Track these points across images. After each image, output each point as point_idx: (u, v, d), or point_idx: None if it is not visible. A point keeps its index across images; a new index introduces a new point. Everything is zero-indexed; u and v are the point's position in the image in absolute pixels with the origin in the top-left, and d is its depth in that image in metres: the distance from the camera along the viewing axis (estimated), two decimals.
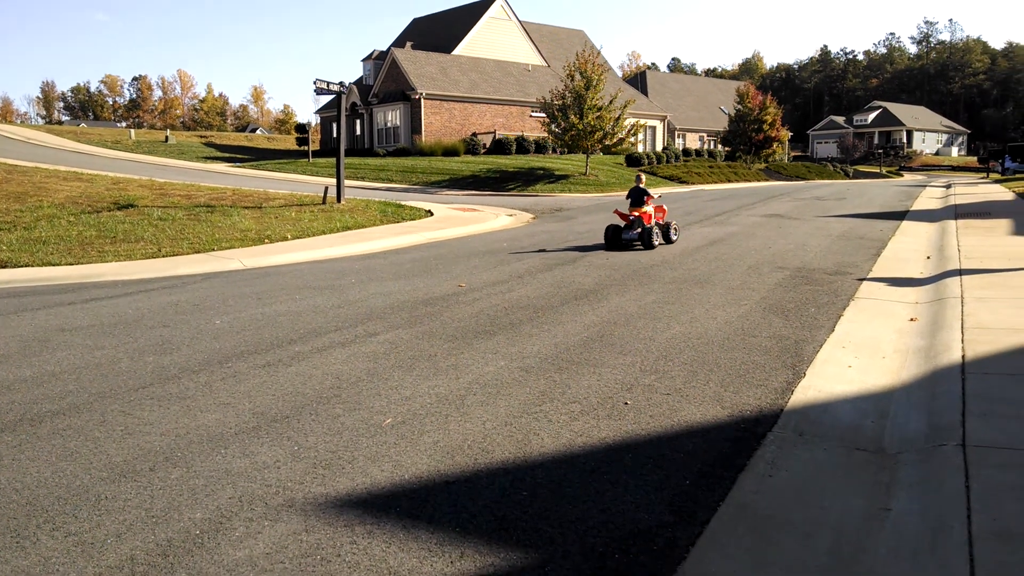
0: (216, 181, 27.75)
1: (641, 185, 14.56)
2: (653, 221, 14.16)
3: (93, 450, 4.65)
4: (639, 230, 13.87)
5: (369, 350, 6.92)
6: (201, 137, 68.42)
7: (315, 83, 19.82)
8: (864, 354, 6.77)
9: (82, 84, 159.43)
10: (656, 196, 15.09)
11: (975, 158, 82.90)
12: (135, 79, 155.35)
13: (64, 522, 3.79)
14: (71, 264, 11.78)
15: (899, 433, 4.95)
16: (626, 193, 15.39)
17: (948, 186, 36.99)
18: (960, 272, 10.13)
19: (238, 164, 42.63)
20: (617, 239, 13.93)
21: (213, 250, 13.21)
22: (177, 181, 24.55)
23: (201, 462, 4.48)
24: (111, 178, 23.38)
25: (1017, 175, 47.43)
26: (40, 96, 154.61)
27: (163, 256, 12.58)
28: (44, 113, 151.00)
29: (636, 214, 14.01)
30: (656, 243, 13.87)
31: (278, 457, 4.55)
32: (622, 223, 14.21)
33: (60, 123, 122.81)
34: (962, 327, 7.16)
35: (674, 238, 14.63)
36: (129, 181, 22.78)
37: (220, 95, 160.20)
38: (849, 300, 8.96)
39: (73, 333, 7.58)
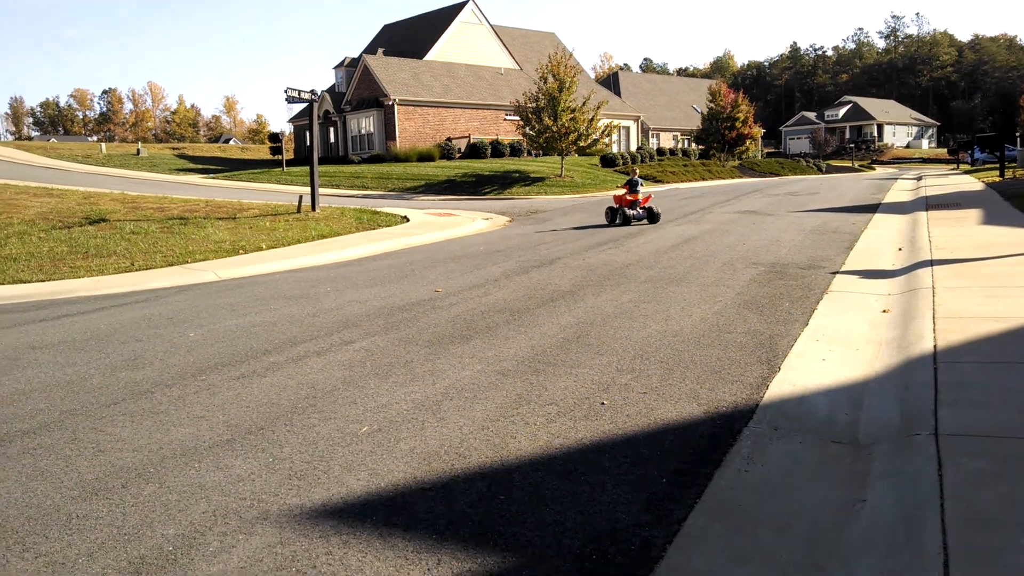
0: (189, 193, 27.50)
1: (635, 177, 19.41)
2: (650, 202, 18.87)
3: (64, 468, 4.57)
4: (640, 210, 18.45)
5: (345, 358, 6.88)
6: (173, 149, 67.81)
7: (286, 91, 19.71)
8: (838, 346, 6.82)
9: (51, 99, 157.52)
10: (644, 185, 20.74)
11: (945, 150, 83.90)
12: (105, 92, 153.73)
13: (35, 543, 3.72)
14: (42, 281, 11.62)
15: (873, 424, 5.00)
16: (623, 183, 21.03)
17: (919, 178, 37.45)
18: (931, 263, 10.25)
19: (211, 175, 42.29)
20: (624, 217, 18.27)
21: (187, 262, 13.09)
22: (149, 194, 24.30)
23: (174, 477, 4.42)
24: (82, 193, 23.11)
25: (987, 165, 48.08)
26: (9, 112, 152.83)
27: (136, 270, 12.44)
28: (13, 129, 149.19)
29: (635, 199, 18.60)
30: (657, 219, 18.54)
31: (252, 469, 4.51)
32: (622, 205, 18.51)
33: (30, 139, 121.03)
34: (933, 317, 7.24)
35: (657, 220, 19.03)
36: (100, 195, 22.52)
37: (192, 106, 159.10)
38: (823, 294, 9.03)
39: (44, 350, 7.47)
